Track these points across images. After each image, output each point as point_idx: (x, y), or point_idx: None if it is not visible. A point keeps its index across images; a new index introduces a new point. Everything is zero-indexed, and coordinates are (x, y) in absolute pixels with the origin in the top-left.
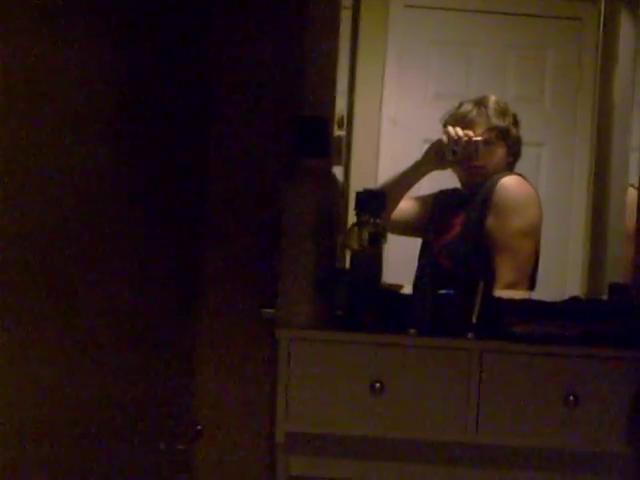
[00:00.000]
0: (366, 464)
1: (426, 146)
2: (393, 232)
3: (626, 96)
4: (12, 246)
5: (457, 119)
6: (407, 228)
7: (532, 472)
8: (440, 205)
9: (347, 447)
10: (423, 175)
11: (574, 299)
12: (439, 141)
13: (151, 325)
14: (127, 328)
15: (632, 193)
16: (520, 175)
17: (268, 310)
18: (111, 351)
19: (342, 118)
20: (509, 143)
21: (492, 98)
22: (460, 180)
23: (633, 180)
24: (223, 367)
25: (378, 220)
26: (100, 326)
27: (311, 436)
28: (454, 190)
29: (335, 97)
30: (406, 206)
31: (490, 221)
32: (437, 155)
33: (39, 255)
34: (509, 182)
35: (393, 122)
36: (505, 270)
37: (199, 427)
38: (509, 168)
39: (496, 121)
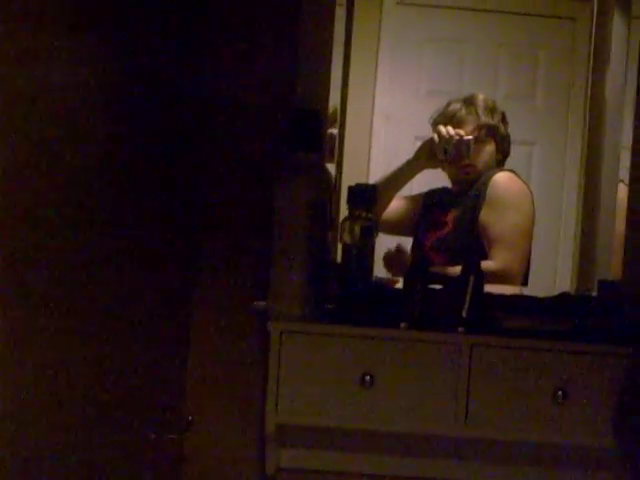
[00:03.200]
0: (356, 457)
1: (418, 143)
2: (384, 231)
3: (617, 95)
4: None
5: (447, 118)
6: (398, 227)
7: (521, 466)
8: (430, 203)
9: (337, 440)
10: (414, 174)
11: (564, 295)
12: (430, 140)
13: (144, 315)
14: (120, 318)
15: (622, 189)
16: (512, 171)
17: (260, 302)
18: (103, 341)
19: (335, 112)
20: (498, 140)
21: (480, 96)
22: (451, 178)
23: (624, 178)
24: (215, 358)
25: (370, 214)
26: (93, 315)
27: (301, 428)
28: (444, 189)
29: (329, 92)
30: (397, 205)
31: (484, 216)
32: (428, 154)
33: (42, 242)
34: (502, 178)
35: (386, 117)
36: (499, 265)
37: (190, 418)
38: (499, 165)
39: (485, 119)
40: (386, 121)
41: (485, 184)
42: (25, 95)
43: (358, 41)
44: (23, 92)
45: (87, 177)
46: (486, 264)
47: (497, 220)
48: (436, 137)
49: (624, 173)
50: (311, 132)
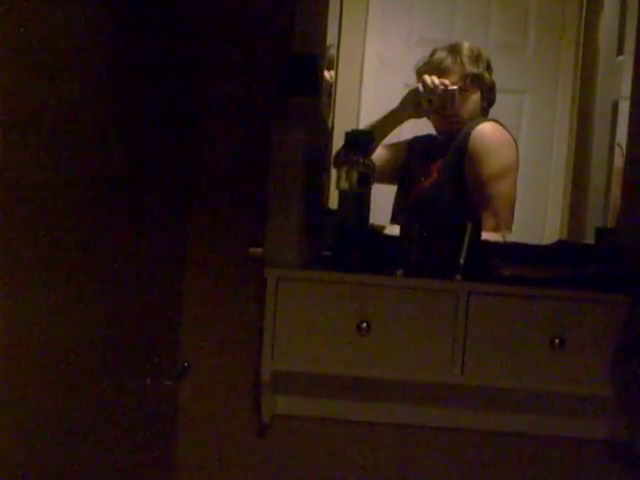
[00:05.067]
0: (352, 404)
1: (407, 91)
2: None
3: (611, 42)
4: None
5: (431, 67)
6: (382, 175)
7: (516, 414)
8: (415, 151)
9: (333, 387)
10: (399, 123)
11: (561, 243)
12: (415, 90)
13: (141, 263)
14: (115, 266)
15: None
16: (496, 121)
17: (256, 249)
18: (99, 287)
19: (332, 58)
20: (483, 89)
21: (466, 44)
22: (435, 127)
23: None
24: (211, 305)
25: (367, 160)
26: (88, 263)
27: (297, 376)
28: (429, 136)
29: (326, 36)
30: (381, 153)
31: (468, 166)
32: (413, 104)
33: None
34: (484, 128)
35: (377, 59)
36: (485, 215)
37: (186, 364)
38: (484, 114)
39: (470, 68)
40: (377, 66)
41: (468, 134)
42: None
43: None
44: None
45: (85, 132)
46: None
47: (480, 171)
48: (421, 87)
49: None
50: (308, 76)
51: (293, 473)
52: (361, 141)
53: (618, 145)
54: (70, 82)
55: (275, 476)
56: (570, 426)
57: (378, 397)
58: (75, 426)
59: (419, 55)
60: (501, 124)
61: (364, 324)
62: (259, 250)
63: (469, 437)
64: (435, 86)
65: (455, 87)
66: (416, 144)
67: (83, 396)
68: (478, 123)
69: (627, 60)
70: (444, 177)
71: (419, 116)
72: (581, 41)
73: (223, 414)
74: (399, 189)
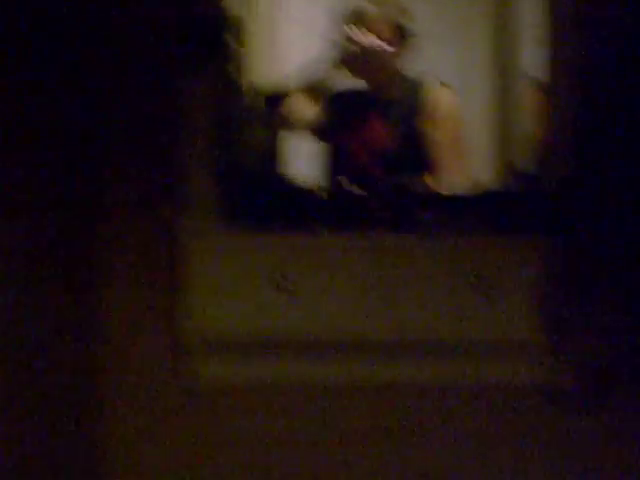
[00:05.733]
0: (278, 365)
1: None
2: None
3: None
4: None
5: (358, 19)
6: (299, 123)
7: (450, 365)
8: (344, 106)
9: (255, 349)
10: (322, 77)
11: (488, 193)
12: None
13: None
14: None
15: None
16: (447, 86)
17: (166, 209)
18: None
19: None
20: (403, 36)
21: None
22: (360, 80)
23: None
24: (125, 268)
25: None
26: None
27: (217, 338)
28: (358, 91)
29: None
30: (297, 101)
31: (429, 129)
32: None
33: None
34: (444, 94)
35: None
36: (454, 174)
37: None
38: (402, 56)
39: (399, 19)
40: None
41: (419, 95)
42: None
43: None
44: None
45: None
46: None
47: (445, 133)
48: (347, 42)
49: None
50: (210, 37)
51: (216, 439)
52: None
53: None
54: None
55: (197, 442)
56: (500, 372)
57: (301, 357)
58: None
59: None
60: (449, 86)
61: (284, 282)
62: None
63: (399, 392)
64: (361, 43)
65: (384, 47)
66: (333, 101)
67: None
68: (431, 85)
69: None
70: (398, 138)
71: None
72: None
73: (143, 381)
74: (336, 146)
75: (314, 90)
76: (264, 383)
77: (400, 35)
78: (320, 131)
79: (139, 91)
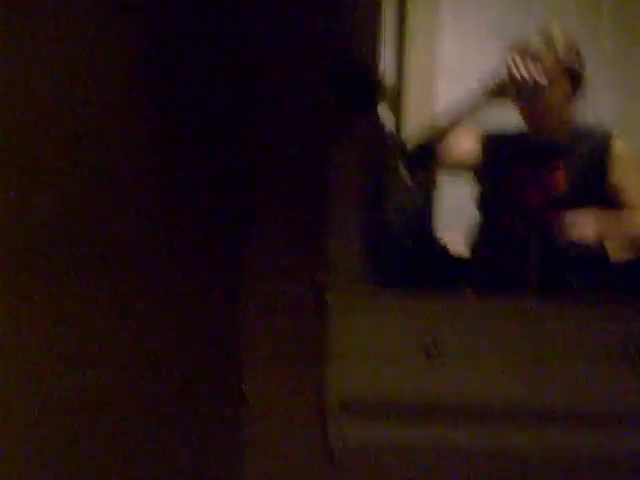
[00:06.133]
0: (426, 430)
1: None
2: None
3: None
4: None
5: (524, 54)
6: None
7: (600, 436)
8: (496, 149)
9: (404, 413)
10: (481, 110)
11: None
12: (502, 81)
13: (194, 297)
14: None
15: None
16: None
17: (319, 274)
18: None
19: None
20: (574, 78)
21: (560, 31)
22: (528, 125)
23: None
24: (273, 333)
25: (428, 174)
26: (140, 284)
27: (366, 403)
28: (519, 135)
29: (379, 47)
30: (458, 142)
31: (617, 179)
32: (499, 92)
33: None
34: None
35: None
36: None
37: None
38: (574, 101)
39: (565, 58)
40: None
41: (602, 142)
42: None
43: None
44: None
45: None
46: None
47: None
48: (507, 77)
49: None
50: (362, 91)
51: None
52: (422, 154)
53: None
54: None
55: None
56: None
57: (450, 422)
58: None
59: (496, 55)
60: None
61: (433, 346)
62: (322, 275)
63: (545, 460)
64: (523, 79)
65: (545, 83)
66: (494, 140)
67: (140, 426)
68: (608, 131)
69: None
70: (577, 188)
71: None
72: None
73: (289, 444)
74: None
75: (470, 124)
76: (411, 447)
77: (570, 79)
78: (482, 172)
79: (286, 152)
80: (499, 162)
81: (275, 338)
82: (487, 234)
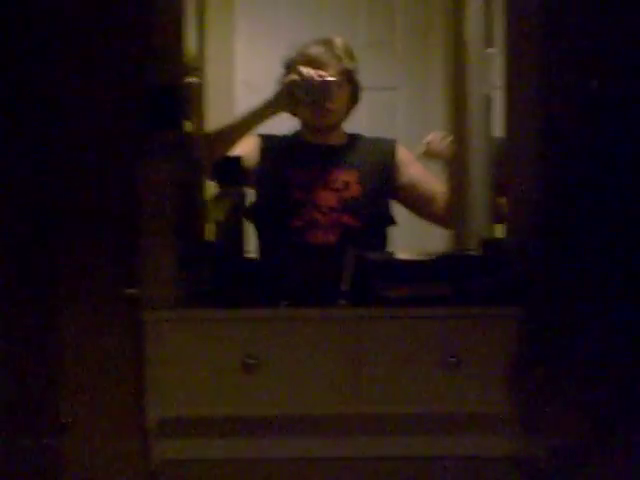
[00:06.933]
0: (247, 442)
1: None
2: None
3: (479, 35)
4: None
5: (308, 60)
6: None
7: (417, 437)
8: (275, 155)
9: (223, 427)
10: (268, 118)
11: (446, 256)
12: (290, 82)
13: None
14: None
15: None
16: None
17: (130, 290)
18: None
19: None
20: (354, 86)
21: (338, 39)
22: (307, 125)
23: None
24: (87, 354)
25: (237, 188)
26: None
27: (185, 419)
28: (296, 140)
29: (184, 63)
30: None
31: (405, 178)
32: (288, 96)
33: None
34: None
35: (247, 85)
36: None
37: (66, 420)
38: (350, 113)
39: (346, 63)
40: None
41: (384, 151)
42: None
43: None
44: None
45: None
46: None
47: (423, 173)
48: (298, 78)
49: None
50: (168, 109)
51: None
52: (229, 169)
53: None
54: None
55: None
56: (471, 445)
57: (272, 433)
58: None
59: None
60: None
61: (252, 360)
62: (134, 291)
63: (371, 466)
64: (312, 77)
65: (333, 79)
66: (271, 147)
67: None
68: (388, 142)
69: (497, 52)
70: (368, 189)
71: (292, 110)
72: (449, 36)
73: (111, 466)
74: (282, 198)
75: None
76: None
77: (348, 80)
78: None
79: (93, 171)
80: (278, 166)
81: (90, 360)
82: (281, 242)
